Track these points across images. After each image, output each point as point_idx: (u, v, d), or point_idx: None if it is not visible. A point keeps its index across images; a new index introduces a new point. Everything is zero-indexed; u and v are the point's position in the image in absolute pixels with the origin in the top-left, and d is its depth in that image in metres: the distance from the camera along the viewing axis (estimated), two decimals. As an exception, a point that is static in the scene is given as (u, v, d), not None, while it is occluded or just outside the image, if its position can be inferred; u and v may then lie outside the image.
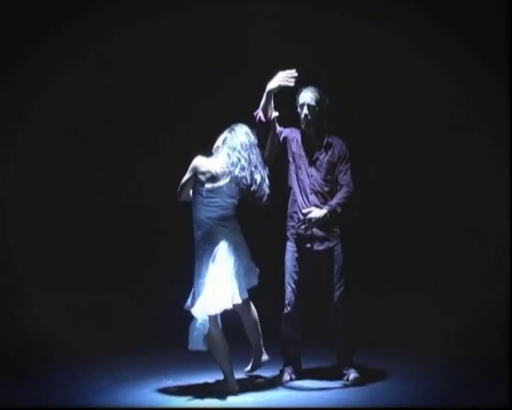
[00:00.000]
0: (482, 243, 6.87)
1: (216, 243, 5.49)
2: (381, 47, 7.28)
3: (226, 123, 5.69)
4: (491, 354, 6.03)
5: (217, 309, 5.42)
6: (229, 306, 5.43)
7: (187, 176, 5.53)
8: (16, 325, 6.76)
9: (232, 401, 5.39)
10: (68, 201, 7.50)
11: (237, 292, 5.49)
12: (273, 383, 5.78)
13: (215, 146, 5.67)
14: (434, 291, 7.12)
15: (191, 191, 5.61)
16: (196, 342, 5.52)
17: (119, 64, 7.59)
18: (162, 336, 7.06)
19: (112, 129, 7.62)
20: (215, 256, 5.47)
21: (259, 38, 7.55)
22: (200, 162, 5.52)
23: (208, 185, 5.50)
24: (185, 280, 7.43)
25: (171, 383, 5.85)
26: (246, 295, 5.58)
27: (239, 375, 5.76)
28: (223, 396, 5.44)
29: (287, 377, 5.83)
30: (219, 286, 5.41)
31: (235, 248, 5.53)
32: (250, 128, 5.64)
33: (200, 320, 5.46)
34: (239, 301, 5.49)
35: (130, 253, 7.62)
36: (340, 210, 5.70)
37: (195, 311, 5.44)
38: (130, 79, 7.59)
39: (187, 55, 7.55)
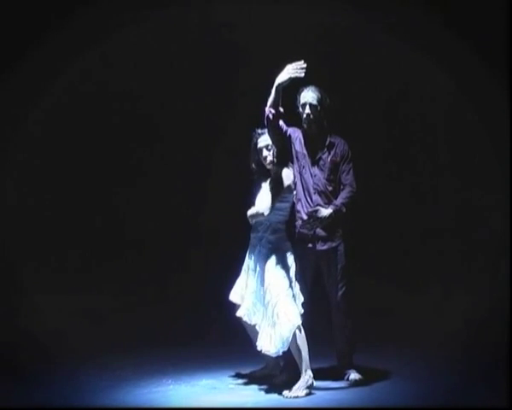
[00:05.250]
0: (482, 244, 6.88)
1: (288, 249, 5.70)
2: (380, 47, 7.30)
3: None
4: (492, 353, 6.04)
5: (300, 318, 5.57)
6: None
7: None
8: (17, 325, 6.77)
9: (232, 401, 5.38)
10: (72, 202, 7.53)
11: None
12: (273, 383, 5.76)
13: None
14: (435, 291, 7.13)
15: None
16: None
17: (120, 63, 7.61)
18: (163, 335, 7.06)
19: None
20: (290, 264, 5.67)
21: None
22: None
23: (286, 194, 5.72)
24: (183, 279, 7.49)
25: (170, 383, 5.85)
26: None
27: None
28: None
29: (287, 377, 5.82)
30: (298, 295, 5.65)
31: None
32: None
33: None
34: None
35: (129, 252, 7.63)
36: (344, 210, 5.70)
37: (289, 319, 5.52)
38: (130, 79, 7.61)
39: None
